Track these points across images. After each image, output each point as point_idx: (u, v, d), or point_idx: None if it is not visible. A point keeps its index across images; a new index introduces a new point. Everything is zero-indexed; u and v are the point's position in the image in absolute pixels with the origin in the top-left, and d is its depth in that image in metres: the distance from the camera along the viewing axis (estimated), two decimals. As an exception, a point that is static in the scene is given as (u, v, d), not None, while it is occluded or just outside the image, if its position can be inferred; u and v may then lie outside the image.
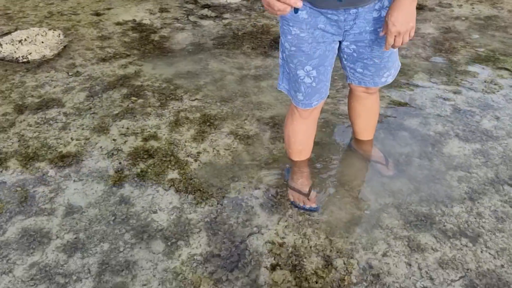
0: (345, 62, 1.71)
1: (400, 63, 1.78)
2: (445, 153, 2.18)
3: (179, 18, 3.83)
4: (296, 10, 1.31)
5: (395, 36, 1.43)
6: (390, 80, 1.75)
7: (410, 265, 1.61)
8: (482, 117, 2.48)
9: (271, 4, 1.15)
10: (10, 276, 1.53)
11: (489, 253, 1.66)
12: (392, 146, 2.20)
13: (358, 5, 1.44)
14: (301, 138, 1.92)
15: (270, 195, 1.91)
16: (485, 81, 2.85)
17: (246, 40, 3.39)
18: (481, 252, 1.66)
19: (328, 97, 2.05)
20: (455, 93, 2.71)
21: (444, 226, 1.77)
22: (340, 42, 1.62)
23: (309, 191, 1.89)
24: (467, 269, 1.59)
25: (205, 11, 3.97)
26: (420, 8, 4.12)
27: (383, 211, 1.84)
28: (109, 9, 4.01)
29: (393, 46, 1.47)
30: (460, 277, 1.56)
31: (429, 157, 2.15)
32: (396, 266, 1.60)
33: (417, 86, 2.78)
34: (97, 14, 3.86)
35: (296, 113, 1.79)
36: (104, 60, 3.04)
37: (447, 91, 2.73)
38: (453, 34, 3.58)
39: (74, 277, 1.53)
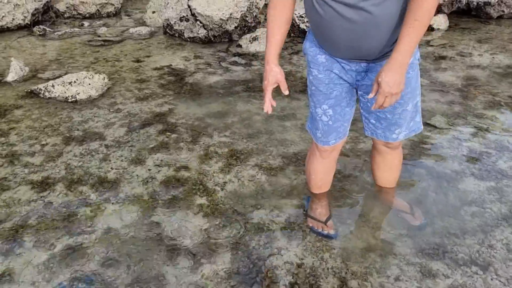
0: (362, 111, 1.86)
1: (421, 127, 1.86)
2: (461, 189, 2.28)
3: (211, 64, 4.15)
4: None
5: (386, 97, 1.46)
6: (401, 137, 1.83)
7: (421, 289, 1.69)
8: (498, 158, 2.57)
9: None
10: (51, 285, 1.70)
11: (499, 281, 1.72)
12: (407, 181, 2.32)
13: (368, 60, 1.60)
14: (321, 176, 2.08)
15: (290, 221, 2.04)
16: (502, 127, 2.96)
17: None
18: (491, 279, 1.73)
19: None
20: (471, 135, 2.83)
21: (456, 255, 1.85)
22: (357, 91, 1.79)
23: (327, 219, 2.02)
24: (478, 295, 1.66)
25: (236, 58, 4.29)
26: (441, 58, 4.32)
27: (397, 240, 1.94)
28: (148, 56, 4.39)
29: (381, 107, 1.51)
30: (470, 302, 1.63)
31: (444, 192, 2.25)
32: (408, 289, 1.69)
33: (435, 127, 2.91)
34: (138, 61, 4.24)
35: (317, 153, 1.95)
36: (142, 99, 3.34)
37: (463, 133, 2.86)
38: (474, 81, 3.73)
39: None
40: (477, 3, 5.78)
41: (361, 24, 1.45)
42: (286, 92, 1.68)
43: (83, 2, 5.87)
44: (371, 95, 1.53)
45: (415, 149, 2.64)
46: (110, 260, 1.82)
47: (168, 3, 5.00)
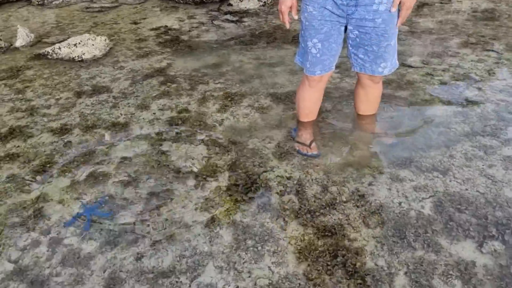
0: (350, 48, 2.12)
1: (398, 64, 2.17)
2: (428, 114, 2.59)
3: (204, 22, 4.39)
4: None
5: (407, 10, 1.89)
6: (386, 72, 2.13)
7: (390, 189, 2.02)
8: (465, 89, 2.87)
9: (280, 17, 1.99)
10: (79, 203, 2.03)
11: (456, 182, 2.05)
12: (383, 110, 2.62)
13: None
14: (308, 104, 2.38)
15: (280, 146, 2.36)
16: (472, 60, 3.24)
17: (263, 38, 3.90)
18: (450, 181, 2.06)
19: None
20: (443, 71, 3.12)
21: (421, 164, 2.17)
22: (346, 28, 2.04)
23: (311, 143, 2.34)
24: (436, 191, 1.99)
25: (227, 16, 4.52)
26: (424, 4, 4.54)
27: (371, 156, 2.26)
28: (144, 19, 4.61)
29: (403, 21, 1.96)
30: (430, 196, 1.96)
31: (415, 118, 2.56)
32: (378, 190, 2.01)
33: (410, 66, 3.19)
34: (135, 23, 4.47)
35: (306, 82, 2.25)
36: (142, 57, 3.61)
37: (436, 69, 3.14)
38: (451, 25, 3.98)
39: (129, 201, 2.02)
40: (460, -48, 5.91)
41: None
42: (296, 17, 2.02)
43: (77, -29, 6.01)
44: (393, 10, 1.89)
45: (392, 84, 2.93)
46: (127, 180, 2.14)
47: (159, -33, 5.16)
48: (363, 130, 2.49)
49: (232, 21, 4.39)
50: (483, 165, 2.14)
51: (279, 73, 3.19)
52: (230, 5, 4.80)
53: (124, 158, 2.32)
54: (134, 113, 2.76)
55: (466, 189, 2.00)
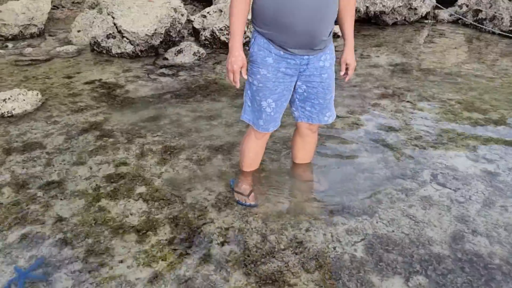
0: (297, 103, 2.31)
1: (335, 114, 2.41)
2: (356, 161, 2.82)
3: (140, 76, 4.46)
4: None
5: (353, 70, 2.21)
6: (330, 120, 2.35)
7: (325, 234, 2.15)
8: (386, 137, 3.16)
9: (230, 77, 2.03)
10: (12, 267, 1.93)
11: (383, 223, 2.23)
12: (317, 158, 2.81)
13: (309, 53, 2.08)
14: (253, 155, 2.50)
15: (220, 198, 2.43)
16: (391, 110, 3.59)
17: (199, 91, 4.04)
18: (377, 223, 2.23)
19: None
20: (367, 120, 3.42)
21: (351, 209, 2.34)
22: (295, 86, 2.22)
23: (250, 193, 2.43)
24: (366, 234, 2.15)
25: (163, 70, 4.64)
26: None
27: (307, 202, 2.40)
28: (78, 73, 4.59)
29: (349, 78, 2.27)
30: (361, 239, 2.12)
31: (344, 165, 2.77)
32: (315, 236, 2.13)
33: (338, 116, 3.46)
34: (68, 77, 4.43)
35: (253, 135, 2.37)
36: (77, 111, 3.57)
37: (360, 119, 3.43)
38: (371, 78, 4.39)
39: (66, 261, 1.96)
40: (374, 12, 6.62)
41: (319, 9, 1.94)
42: (246, 77, 2.10)
43: (5, 24, 5.89)
44: (342, 74, 2.24)
45: (322, 134, 3.15)
46: (63, 241, 2.08)
47: (93, 22, 5.23)
48: (300, 179, 2.64)
49: (168, 75, 4.50)
50: (404, 206, 2.36)
51: (216, 126, 3.31)
52: (166, 59, 4.94)
53: (60, 217, 2.26)
54: (69, 169, 2.71)
55: (393, 231, 2.18)
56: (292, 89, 2.23)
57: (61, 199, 2.42)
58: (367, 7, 6.46)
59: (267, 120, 2.24)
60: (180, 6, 5.29)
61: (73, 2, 8.05)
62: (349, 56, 2.21)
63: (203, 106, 3.68)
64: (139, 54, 5.04)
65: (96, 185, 2.55)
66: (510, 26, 6.22)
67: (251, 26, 2.22)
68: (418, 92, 4.04)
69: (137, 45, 4.94)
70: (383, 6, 6.53)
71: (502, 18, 6.31)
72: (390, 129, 3.28)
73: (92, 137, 3.13)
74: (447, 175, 2.67)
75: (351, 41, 2.21)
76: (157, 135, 3.15)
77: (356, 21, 6.65)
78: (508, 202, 2.42)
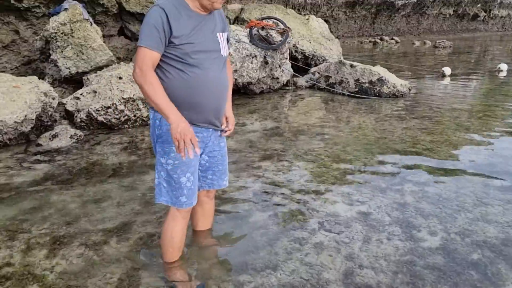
0: (200, 173, 2.39)
1: None
2: (250, 221, 3.00)
3: (12, 166, 4.14)
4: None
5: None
6: (227, 183, 2.51)
7: (234, 296, 2.23)
8: (272, 195, 3.44)
9: (181, 146, 1.95)
10: None
11: (285, 274, 2.40)
12: (215, 223, 2.92)
13: (215, 125, 2.27)
14: (181, 236, 2.39)
15: (122, 280, 2.36)
16: (272, 170, 3.92)
17: (82, 174, 3.91)
18: (280, 275, 2.39)
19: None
20: (253, 182, 3.68)
21: (255, 265, 2.47)
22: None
23: (190, 277, 2.38)
24: (273, 286, 2.29)
25: (38, 157, 4.38)
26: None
27: (214, 267, 2.47)
28: None
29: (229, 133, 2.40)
30: (268, 293, 2.24)
31: (240, 226, 2.93)
32: (225, 299, 2.20)
33: (226, 182, 3.66)
34: None
35: (178, 215, 2.31)
36: None
37: (247, 182, 3.68)
38: (250, 143, 4.74)
39: None
40: (242, 83, 7.24)
41: (222, 87, 2.21)
42: (198, 151, 2.05)
43: None
44: (223, 126, 2.35)
45: (218, 198, 3.29)
46: None
47: None
48: (203, 245, 2.70)
49: (44, 161, 4.27)
50: (301, 255, 2.58)
51: (107, 207, 3.22)
52: (39, 145, 4.68)
53: None
54: None
55: (294, 279, 2.36)
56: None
57: None
58: (235, 79, 7.05)
59: (189, 195, 2.26)
60: (50, 90, 5.14)
61: None
62: (229, 111, 2.40)
63: (89, 189, 3.57)
64: (8, 142, 4.70)
65: (-24, 292, 2.27)
66: (355, 88, 7.34)
67: (151, 110, 2.24)
68: (292, 151, 4.49)
69: (5, 133, 4.62)
70: (250, 77, 7.20)
71: (348, 81, 7.43)
72: (275, 186, 3.57)
73: (-37, 240, 2.80)
74: (330, 221, 3.00)
75: (230, 99, 2.41)
76: (43, 227, 2.94)
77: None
78: (381, 236, 2.81)
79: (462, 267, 2.48)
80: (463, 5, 21.17)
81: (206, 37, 2.13)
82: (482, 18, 23.22)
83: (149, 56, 2.00)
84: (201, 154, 2.34)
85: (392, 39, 17.81)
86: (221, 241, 2.76)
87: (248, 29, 7.40)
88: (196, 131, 2.18)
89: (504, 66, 10.48)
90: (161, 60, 2.07)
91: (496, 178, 3.76)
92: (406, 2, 17.44)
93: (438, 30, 21.39)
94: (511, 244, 2.74)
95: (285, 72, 7.79)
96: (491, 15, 23.57)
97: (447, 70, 9.67)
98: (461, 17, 22.23)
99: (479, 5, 22.06)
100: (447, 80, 9.15)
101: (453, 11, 21.22)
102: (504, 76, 9.87)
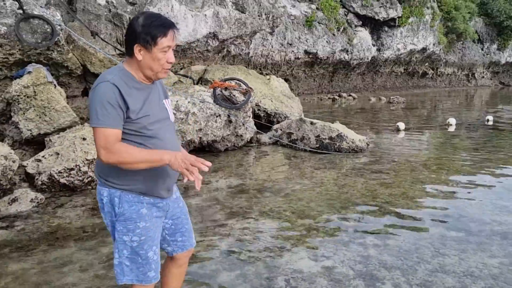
0: (168, 238, 2.34)
1: None
2: (218, 281, 2.99)
3: (-33, 234, 3.97)
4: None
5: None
6: (195, 242, 2.46)
7: None
8: (239, 253, 3.46)
9: (190, 175, 1.86)
10: None
11: (253, 335, 2.39)
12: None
13: (170, 196, 2.26)
14: None
15: None
16: (238, 228, 3.96)
17: (43, 239, 3.79)
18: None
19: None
20: (220, 240, 3.69)
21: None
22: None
23: None
24: None
25: (-4, 223, 4.22)
26: (186, 188, 5.32)
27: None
28: None
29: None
30: None
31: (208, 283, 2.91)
32: None
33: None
34: None
35: None
36: None
37: (213, 240, 3.69)
38: (215, 201, 4.78)
39: None
40: (207, 141, 7.37)
41: (176, 148, 2.16)
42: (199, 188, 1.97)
43: None
44: (189, 178, 2.00)
45: (181, 261, 3.28)
46: None
47: None
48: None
49: (2, 228, 4.12)
50: (269, 315, 2.58)
51: (69, 273, 3.13)
52: (-3, 210, 4.52)
53: None
54: None
55: None
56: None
57: None
58: (200, 137, 7.18)
59: (156, 268, 2.21)
60: (11, 153, 5.05)
61: None
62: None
63: (51, 254, 3.46)
64: (-38, 208, 4.51)
65: None
66: (316, 144, 7.61)
67: (103, 187, 2.14)
68: (258, 208, 4.56)
69: (-40, 199, 4.45)
70: (214, 135, 7.34)
71: (309, 138, 7.72)
72: (242, 244, 3.60)
73: None
74: (297, 278, 3.04)
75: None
76: (0, 297, 2.82)
77: (192, 150, 7.24)
78: (347, 290, 2.87)
79: (424, 319, 2.57)
80: (413, 64, 22.72)
81: (156, 106, 2.14)
82: (430, 75, 24.93)
83: (110, 134, 1.94)
84: (164, 222, 2.32)
85: (350, 95, 18.73)
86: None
87: (212, 90, 7.66)
88: (156, 202, 2.17)
89: (452, 120, 11.21)
90: None
91: (451, 229, 3.96)
92: (361, 61, 18.57)
93: (392, 86, 22.72)
94: (468, 293, 2.86)
95: (248, 129, 8.01)
96: (438, 72, 25.37)
97: (401, 125, 10.23)
98: (411, 75, 23.79)
99: (426, 64, 23.76)
100: (401, 134, 9.66)
101: (404, 69, 22.71)
102: (453, 130, 10.54)
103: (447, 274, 3.11)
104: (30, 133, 5.96)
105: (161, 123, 2.15)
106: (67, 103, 6.56)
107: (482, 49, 27.02)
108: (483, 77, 29.35)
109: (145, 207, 2.13)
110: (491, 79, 30.21)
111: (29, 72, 6.09)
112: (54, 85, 6.28)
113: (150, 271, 2.17)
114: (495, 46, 27.56)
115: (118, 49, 8.18)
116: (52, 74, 6.60)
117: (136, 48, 1.99)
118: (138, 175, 2.06)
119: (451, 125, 11.05)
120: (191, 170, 1.89)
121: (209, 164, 1.91)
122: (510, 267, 3.24)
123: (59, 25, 6.58)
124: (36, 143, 6.25)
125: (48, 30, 6.41)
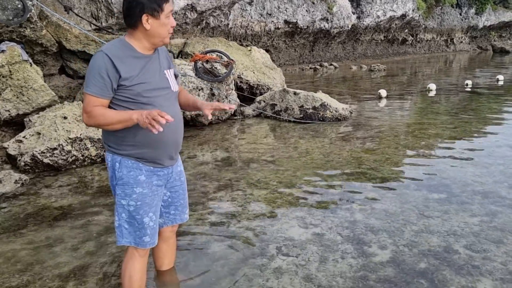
0: (162, 209, 2.42)
1: None
2: (210, 252, 3.04)
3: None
4: None
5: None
6: (187, 217, 2.56)
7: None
8: (229, 225, 3.50)
9: (152, 122, 1.90)
10: None
11: (248, 301, 2.46)
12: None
13: (173, 162, 2.33)
14: (141, 275, 2.36)
15: (84, 326, 2.31)
16: (227, 200, 4.00)
17: (30, 219, 3.77)
18: (243, 302, 2.45)
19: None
20: (210, 214, 3.72)
21: (218, 296, 2.52)
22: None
23: None
24: (237, 316, 2.34)
25: (-19, 206, 4.16)
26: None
27: (175, 303, 2.48)
28: None
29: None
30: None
31: (199, 257, 2.96)
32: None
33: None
34: None
35: (136, 254, 2.30)
36: None
37: (203, 214, 3.73)
38: (203, 175, 4.80)
39: None
40: (191, 116, 7.32)
41: (178, 121, 2.24)
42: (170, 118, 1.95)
43: None
44: (208, 112, 2.28)
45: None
46: None
47: None
48: (169, 285, 2.69)
49: (-12, 210, 4.07)
50: (262, 281, 2.65)
51: (61, 252, 3.13)
52: (-20, 193, 4.45)
53: None
54: None
55: (257, 305, 2.42)
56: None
57: None
58: (183, 112, 7.13)
59: (152, 234, 2.30)
60: (-10, 135, 4.94)
61: None
62: (199, 102, 2.39)
63: (40, 234, 3.45)
64: None
65: None
66: (300, 114, 7.64)
67: (108, 153, 2.24)
68: (245, 180, 4.60)
69: None
70: (197, 109, 7.30)
71: (293, 108, 7.73)
72: (232, 216, 3.65)
73: None
74: (288, 245, 3.11)
75: (193, 98, 2.46)
76: (-8, 279, 2.81)
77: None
78: (336, 255, 2.96)
79: (411, 277, 2.67)
80: (392, 31, 22.72)
81: (155, 75, 2.20)
82: (410, 42, 25.01)
83: (94, 101, 2.05)
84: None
85: (331, 64, 18.70)
86: (184, 277, 2.76)
87: (193, 63, 7.54)
88: (157, 170, 2.26)
89: (433, 86, 11.35)
90: (114, 103, 2.12)
91: (434, 192, 4.08)
92: (341, 30, 18.48)
93: (372, 54, 22.76)
94: (452, 251, 2.98)
95: (232, 102, 7.97)
96: (418, 39, 25.46)
97: (383, 92, 10.31)
98: (391, 42, 23.82)
99: (406, 30, 23.78)
100: (383, 102, 9.75)
101: (384, 36, 22.71)
102: (433, 95, 10.68)
103: (432, 234, 3.22)
104: (9, 114, 5.82)
105: (160, 91, 2.20)
106: (45, 81, 6.39)
107: (460, 14, 27.12)
108: (461, 42, 29.58)
109: (144, 174, 2.22)
110: (469, 43, 30.48)
111: (3, 51, 5.88)
112: (30, 63, 6.10)
113: (145, 235, 2.26)
114: (473, 10, 27.68)
115: (94, 24, 7.93)
116: (27, 52, 6.39)
117: (144, 18, 2.07)
118: (136, 140, 2.15)
119: (431, 90, 11.19)
120: (153, 124, 1.92)
121: (169, 118, 1.92)
122: (490, 225, 3.37)
123: (30, 1, 6.33)
124: (15, 124, 6.12)
125: (19, 6, 6.17)
